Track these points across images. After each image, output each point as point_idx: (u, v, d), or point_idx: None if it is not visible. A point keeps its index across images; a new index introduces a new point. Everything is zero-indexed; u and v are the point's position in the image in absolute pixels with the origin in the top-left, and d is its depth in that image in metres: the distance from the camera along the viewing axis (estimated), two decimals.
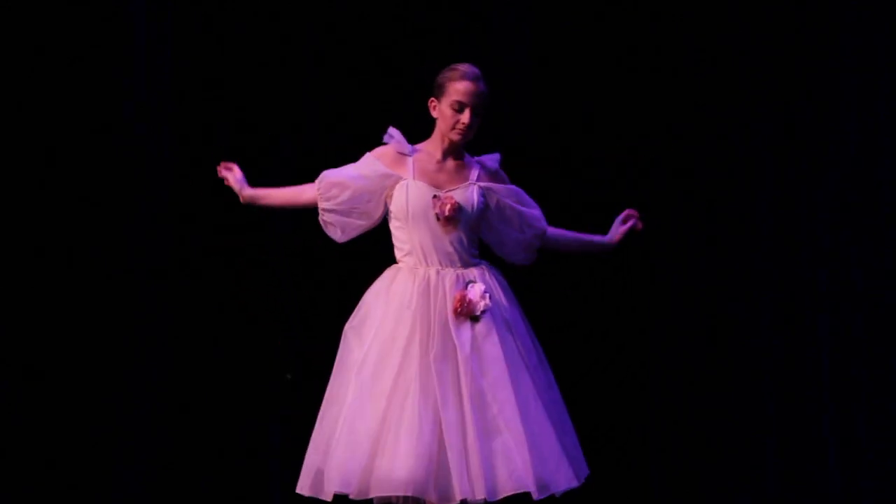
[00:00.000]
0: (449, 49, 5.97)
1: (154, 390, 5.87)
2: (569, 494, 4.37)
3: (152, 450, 5.86)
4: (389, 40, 6.07)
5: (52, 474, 5.72)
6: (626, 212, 4.62)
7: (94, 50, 5.81)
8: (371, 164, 4.41)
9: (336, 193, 4.39)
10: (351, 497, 4.17)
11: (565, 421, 4.38)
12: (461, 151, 4.45)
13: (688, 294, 6.14)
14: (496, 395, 4.20)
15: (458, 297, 4.25)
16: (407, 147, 4.43)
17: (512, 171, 4.30)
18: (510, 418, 4.18)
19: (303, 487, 4.31)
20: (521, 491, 4.18)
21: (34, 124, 5.74)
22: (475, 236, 4.41)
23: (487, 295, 4.27)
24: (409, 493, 4.10)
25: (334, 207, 4.40)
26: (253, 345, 5.99)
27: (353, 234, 4.44)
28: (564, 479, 4.26)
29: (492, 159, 4.52)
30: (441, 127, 4.39)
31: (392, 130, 4.44)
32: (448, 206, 4.31)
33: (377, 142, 4.49)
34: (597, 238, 4.62)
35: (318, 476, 4.25)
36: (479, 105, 4.33)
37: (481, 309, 4.25)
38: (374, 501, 4.22)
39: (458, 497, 4.10)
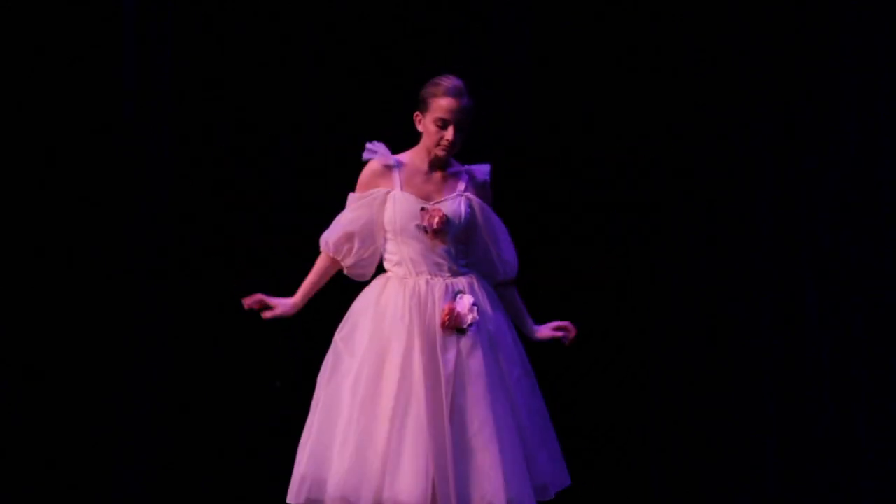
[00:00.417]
0: (449, 49, 5.98)
1: (154, 390, 5.86)
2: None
3: (152, 450, 5.86)
4: (389, 40, 6.06)
5: (52, 474, 5.72)
6: (565, 323, 4.53)
7: (93, 49, 5.81)
8: (357, 200, 4.40)
9: (348, 248, 4.40)
10: None
11: (547, 430, 4.37)
12: (449, 161, 4.43)
13: (688, 294, 6.13)
14: (476, 414, 4.18)
15: (446, 310, 4.23)
16: (392, 158, 4.40)
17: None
18: (488, 439, 4.17)
19: (297, 496, 4.28)
20: None
21: (34, 124, 5.74)
22: (463, 246, 4.38)
23: (476, 308, 4.24)
24: None
25: (355, 260, 4.42)
26: (252, 345, 5.98)
27: (377, 260, 4.44)
28: (538, 495, 4.27)
29: (481, 171, 4.46)
30: (426, 142, 4.37)
31: (373, 145, 4.40)
32: (437, 219, 4.29)
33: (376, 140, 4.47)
34: (529, 321, 4.54)
35: (315, 486, 4.23)
36: (462, 120, 4.30)
37: (469, 322, 4.23)
38: None
39: None
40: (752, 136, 6.03)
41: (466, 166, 4.45)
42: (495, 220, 4.43)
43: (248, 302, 4.45)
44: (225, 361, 5.96)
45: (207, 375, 5.94)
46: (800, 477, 5.89)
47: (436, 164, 4.39)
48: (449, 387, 4.17)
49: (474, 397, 4.19)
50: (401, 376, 4.18)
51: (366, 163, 4.40)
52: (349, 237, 4.38)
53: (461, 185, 4.41)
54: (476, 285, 4.34)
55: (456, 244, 4.34)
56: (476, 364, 4.22)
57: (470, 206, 4.38)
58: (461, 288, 4.29)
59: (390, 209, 4.33)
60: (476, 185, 4.43)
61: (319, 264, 4.45)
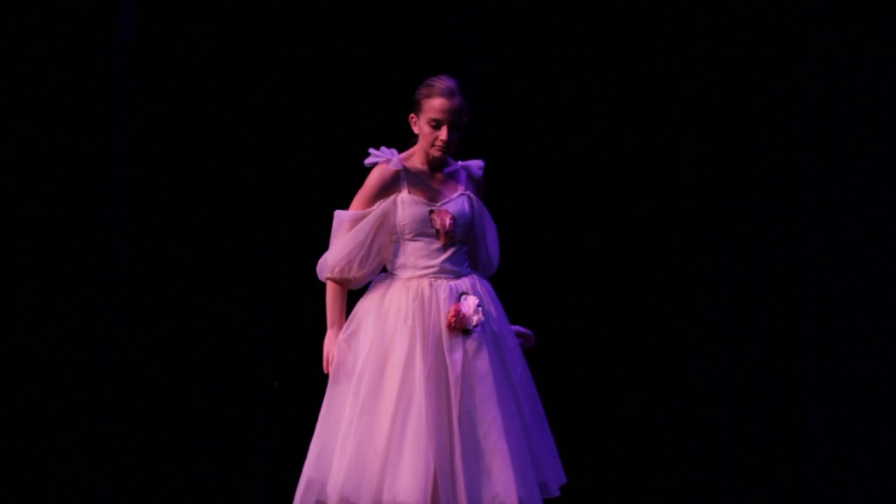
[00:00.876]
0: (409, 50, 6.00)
1: (154, 390, 5.85)
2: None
3: (149, 453, 5.84)
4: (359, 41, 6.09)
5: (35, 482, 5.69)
6: (527, 332, 4.53)
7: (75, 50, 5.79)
8: (363, 219, 4.34)
9: (358, 266, 4.33)
10: None
11: (544, 429, 4.36)
12: (447, 160, 4.43)
13: (679, 295, 6.14)
14: (484, 416, 4.18)
15: (452, 311, 4.22)
16: (401, 164, 4.37)
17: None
18: (496, 439, 4.16)
19: (303, 499, 4.24)
20: None
21: (15, 124, 5.71)
22: (465, 246, 4.39)
23: (480, 308, 4.24)
24: None
25: (359, 275, 4.35)
26: (252, 345, 5.98)
27: (380, 267, 4.39)
28: (545, 491, 4.28)
29: (478, 166, 4.48)
30: (422, 143, 4.37)
31: (382, 151, 4.38)
32: (448, 220, 4.30)
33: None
34: None
35: (319, 489, 4.21)
36: (456, 120, 4.30)
37: (474, 323, 4.23)
38: None
39: None
40: (750, 135, 6.05)
41: (461, 162, 4.46)
42: (487, 216, 4.45)
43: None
44: (225, 361, 5.95)
45: (207, 375, 5.92)
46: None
47: (434, 165, 4.39)
48: (457, 388, 4.17)
49: (482, 398, 4.19)
50: (402, 377, 4.17)
51: (368, 167, 4.39)
52: (356, 259, 4.33)
53: (461, 185, 4.42)
54: (478, 286, 4.34)
55: (461, 243, 4.35)
56: (482, 364, 4.22)
57: (471, 204, 4.39)
58: (465, 289, 4.29)
59: (399, 213, 4.32)
60: (473, 182, 4.44)
61: (334, 293, 4.35)
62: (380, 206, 4.32)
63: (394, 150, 4.37)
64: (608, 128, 6.20)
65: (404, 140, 4.44)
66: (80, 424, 5.71)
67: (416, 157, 4.39)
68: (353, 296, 4.41)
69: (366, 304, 4.34)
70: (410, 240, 4.31)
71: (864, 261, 5.87)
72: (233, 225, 6.02)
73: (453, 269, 4.32)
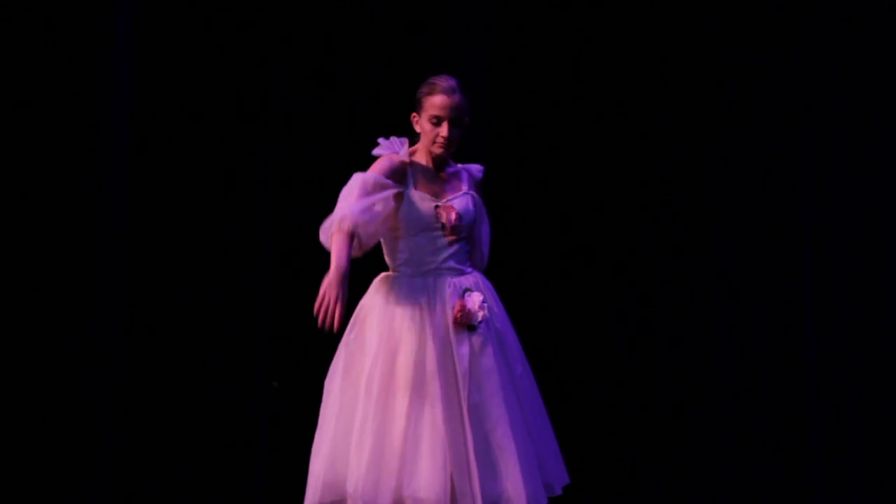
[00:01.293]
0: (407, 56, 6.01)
1: (153, 390, 5.85)
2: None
3: (150, 453, 5.84)
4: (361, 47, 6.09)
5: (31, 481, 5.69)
6: None
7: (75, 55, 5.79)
8: (376, 186, 4.29)
9: (363, 222, 4.20)
10: None
11: (547, 427, 4.39)
12: (448, 160, 4.46)
13: (678, 295, 6.14)
14: (490, 411, 4.20)
15: (457, 306, 4.25)
16: (406, 152, 4.39)
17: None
18: (503, 435, 4.19)
19: (316, 499, 4.23)
20: None
21: (15, 124, 5.71)
22: (468, 245, 4.41)
23: (485, 305, 4.27)
24: None
25: (367, 233, 4.22)
26: (251, 345, 5.98)
27: (370, 244, 4.34)
28: (549, 490, 4.30)
29: (478, 169, 4.54)
30: (424, 141, 4.42)
31: (392, 141, 4.41)
32: (454, 216, 4.33)
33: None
34: None
35: (334, 488, 4.21)
36: (457, 117, 4.35)
37: (479, 319, 4.25)
38: None
39: None
40: (748, 135, 6.05)
41: (462, 165, 4.51)
42: (486, 219, 4.49)
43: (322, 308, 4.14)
44: (225, 361, 5.94)
45: (207, 375, 5.92)
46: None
47: (437, 164, 4.43)
48: (465, 383, 4.19)
49: (489, 394, 4.21)
50: (414, 374, 4.19)
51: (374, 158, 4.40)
52: (370, 214, 4.23)
53: (464, 184, 4.46)
54: (481, 283, 4.36)
55: (463, 242, 4.38)
56: (488, 361, 4.24)
57: (475, 204, 4.43)
58: (469, 286, 4.32)
59: (406, 208, 4.33)
60: (475, 184, 4.50)
61: (342, 240, 4.13)
62: (391, 183, 4.28)
63: (404, 140, 4.39)
64: (608, 128, 6.20)
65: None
66: (79, 425, 5.71)
67: (419, 155, 4.43)
68: (353, 297, 4.40)
69: (369, 303, 4.35)
70: (414, 236, 4.34)
71: (864, 261, 5.86)
72: (233, 225, 6.02)
73: (457, 266, 4.35)
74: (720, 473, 6.00)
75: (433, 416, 4.15)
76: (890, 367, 5.81)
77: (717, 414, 6.02)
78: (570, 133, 6.20)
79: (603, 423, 6.12)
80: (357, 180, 4.26)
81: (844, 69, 5.92)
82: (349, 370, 4.29)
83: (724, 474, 6.00)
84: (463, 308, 4.24)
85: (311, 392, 4.39)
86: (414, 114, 4.41)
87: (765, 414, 5.96)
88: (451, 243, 4.33)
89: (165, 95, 5.93)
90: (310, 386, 4.40)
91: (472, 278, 4.35)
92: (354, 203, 4.20)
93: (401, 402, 4.18)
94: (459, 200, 4.39)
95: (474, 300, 4.26)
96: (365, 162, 4.38)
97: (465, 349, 4.22)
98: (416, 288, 4.29)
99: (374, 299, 4.34)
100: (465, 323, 4.24)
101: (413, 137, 4.44)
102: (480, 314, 4.25)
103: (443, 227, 4.32)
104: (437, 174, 4.43)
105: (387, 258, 4.42)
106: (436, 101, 4.34)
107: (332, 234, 4.16)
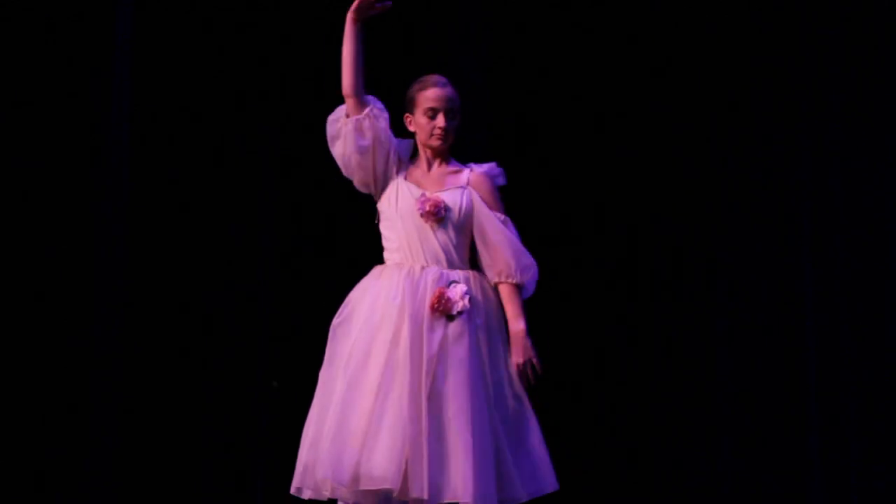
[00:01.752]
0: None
1: (153, 390, 5.85)
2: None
3: (141, 454, 5.84)
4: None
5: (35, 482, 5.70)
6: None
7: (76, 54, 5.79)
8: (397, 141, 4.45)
9: (370, 126, 4.38)
10: (342, 487, 4.16)
11: (532, 434, 4.31)
12: (448, 157, 4.47)
13: (678, 295, 6.13)
14: (452, 401, 4.19)
15: (437, 293, 4.25)
16: (408, 154, 4.48)
17: None
18: (461, 426, 4.16)
19: (296, 489, 4.29)
20: (459, 501, 4.13)
21: (15, 124, 5.71)
22: (467, 241, 4.40)
23: (468, 297, 4.26)
24: (387, 487, 4.10)
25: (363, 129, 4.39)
26: (248, 347, 5.98)
27: (349, 168, 4.43)
28: (517, 495, 4.24)
29: (482, 167, 4.49)
30: (420, 138, 4.44)
31: (407, 142, 4.49)
32: (430, 203, 4.33)
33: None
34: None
35: (308, 471, 4.24)
36: (451, 109, 4.39)
37: (458, 309, 4.24)
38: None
39: (413, 493, 4.11)
40: (747, 135, 6.05)
41: (470, 164, 4.50)
42: (491, 220, 4.40)
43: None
44: (225, 361, 5.94)
45: (207, 375, 5.92)
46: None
47: (434, 161, 4.45)
48: (430, 367, 4.19)
49: (454, 384, 4.20)
50: (388, 355, 4.22)
51: None
52: (377, 127, 4.38)
53: (464, 180, 4.44)
54: (473, 280, 4.35)
55: (457, 236, 4.37)
56: (461, 351, 4.23)
57: (470, 200, 4.40)
58: (456, 278, 4.31)
59: (392, 195, 4.39)
60: (478, 181, 4.44)
61: (356, 69, 4.43)
62: (396, 152, 4.41)
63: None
64: (608, 128, 6.20)
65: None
66: (79, 425, 5.71)
67: (417, 160, 4.47)
68: (348, 284, 4.42)
69: (358, 291, 4.39)
70: (402, 225, 4.36)
71: (864, 261, 5.86)
72: (233, 225, 6.02)
73: (447, 259, 4.35)
74: (720, 473, 6.00)
75: (399, 398, 4.16)
76: (890, 367, 5.81)
77: (717, 414, 6.01)
78: (570, 133, 6.20)
79: (603, 423, 6.12)
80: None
81: (844, 69, 5.92)
82: (333, 357, 4.34)
83: (724, 474, 5.99)
84: (441, 295, 4.24)
85: (311, 392, 4.40)
86: (407, 115, 4.45)
87: (765, 414, 5.95)
88: (435, 230, 4.33)
89: (165, 95, 5.94)
90: (310, 386, 4.41)
91: (464, 273, 4.34)
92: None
93: (370, 382, 4.20)
94: (451, 193, 4.39)
95: (456, 290, 4.25)
96: None
97: (437, 335, 4.21)
98: (402, 276, 4.30)
99: (363, 287, 4.38)
100: (443, 311, 4.24)
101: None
102: (460, 304, 4.24)
103: (420, 213, 4.34)
104: (430, 173, 4.44)
105: (383, 252, 4.44)
106: (429, 95, 4.39)
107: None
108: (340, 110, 4.44)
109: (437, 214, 4.33)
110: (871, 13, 5.90)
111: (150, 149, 5.92)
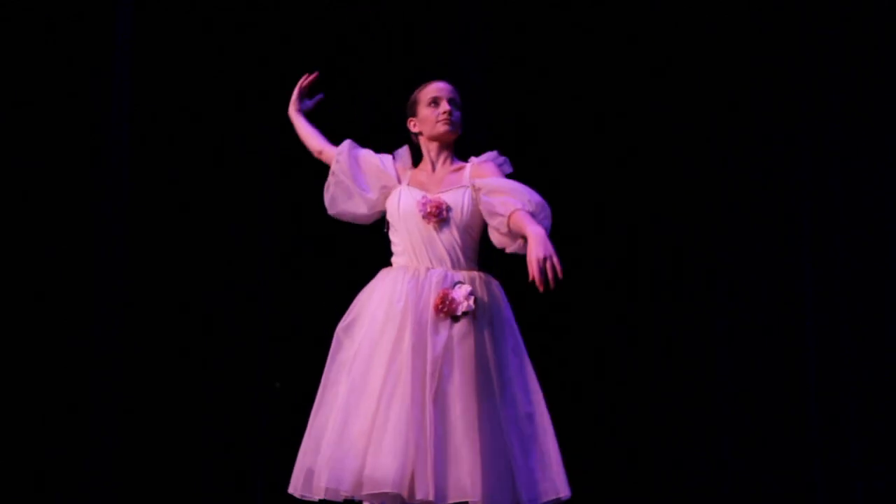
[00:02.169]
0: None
1: (154, 390, 5.85)
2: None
3: (142, 454, 5.84)
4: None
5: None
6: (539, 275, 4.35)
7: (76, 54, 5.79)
8: (386, 159, 4.49)
9: (343, 162, 4.48)
10: (343, 493, 4.15)
11: (545, 437, 4.29)
12: (451, 156, 4.48)
13: (678, 295, 6.14)
14: (458, 401, 4.18)
15: (441, 294, 4.24)
16: (409, 165, 4.51)
17: None
18: (468, 427, 4.16)
19: (294, 488, 4.28)
20: (467, 500, 4.12)
21: (16, 124, 5.71)
22: (473, 242, 4.40)
23: (472, 297, 4.24)
24: (390, 490, 4.07)
25: (336, 172, 4.50)
26: (249, 348, 5.98)
27: (339, 208, 4.51)
28: (525, 497, 4.20)
29: (481, 157, 4.50)
30: (426, 132, 4.45)
31: (401, 150, 4.52)
32: (431, 204, 4.33)
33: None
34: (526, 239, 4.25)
35: (310, 475, 4.23)
36: (453, 99, 4.43)
37: (463, 309, 4.23)
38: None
39: (419, 496, 4.09)
40: (747, 135, 6.05)
41: (471, 158, 4.50)
42: (499, 176, 4.37)
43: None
44: (227, 361, 5.94)
45: (209, 376, 5.92)
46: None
47: (438, 159, 4.46)
48: (435, 368, 4.18)
49: (459, 383, 4.19)
50: (391, 357, 4.21)
51: None
52: (353, 162, 4.49)
53: (465, 178, 4.44)
54: (478, 281, 4.34)
55: (462, 236, 4.37)
56: (466, 352, 4.22)
57: (471, 199, 4.40)
58: (461, 279, 4.30)
59: (395, 200, 4.41)
60: (480, 168, 4.44)
61: (320, 140, 4.64)
62: (391, 168, 4.45)
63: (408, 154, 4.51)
64: (608, 128, 6.20)
65: (401, 143, 4.47)
66: (79, 425, 5.71)
67: (421, 164, 4.49)
68: (348, 284, 4.42)
69: (364, 294, 4.39)
70: (406, 228, 4.36)
71: (864, 261, 5.86)
72: (233, 225, 6.03)
73: (452, 261, 4.34)
74: (720, 473, 6.00)
75: (403, 400, 4.14)
76: (890, 367, 5.81)
77: (717, 414, 6.01)
78: (570, 133, 6.20)
79: (603, 423, 6.12)
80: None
81: (844, 69, 5.92)
82: (336, 360, 4.33)
83: (724, 474, 5.99)
84: (446, 296, 4.23)
85: (312, 392, 4.40)
86: (410, 119, 4.49)
87: (765, 414, 5.95)
88: (438, 231, 4.33)
89: (165, 95, 5.95)
90: (310, 386, 4.41)
91: (470, 274, 4.33)
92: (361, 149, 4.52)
93: (374, 385, 4.19)
94: (452, 193, 4.39)
95: (461, 291, 4.24)
96: None
97: (441, 336, 4.21)
98: (407, 279, 4.30)
99: (369, 291, 4.38)
100: (447, 311, 4.23)
101: (412, 149, 4.48)
102: (465, 304, 4.22)
103: (427, 215, 4.34)
104: (434, 175, 4.45)
105: (391, 258, 4.45)
106: (430, 88, 4.44)
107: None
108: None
109: (439, 215, 4.33)
110: (871, 13, 5.90)
111: (150, 149, 5.92)
